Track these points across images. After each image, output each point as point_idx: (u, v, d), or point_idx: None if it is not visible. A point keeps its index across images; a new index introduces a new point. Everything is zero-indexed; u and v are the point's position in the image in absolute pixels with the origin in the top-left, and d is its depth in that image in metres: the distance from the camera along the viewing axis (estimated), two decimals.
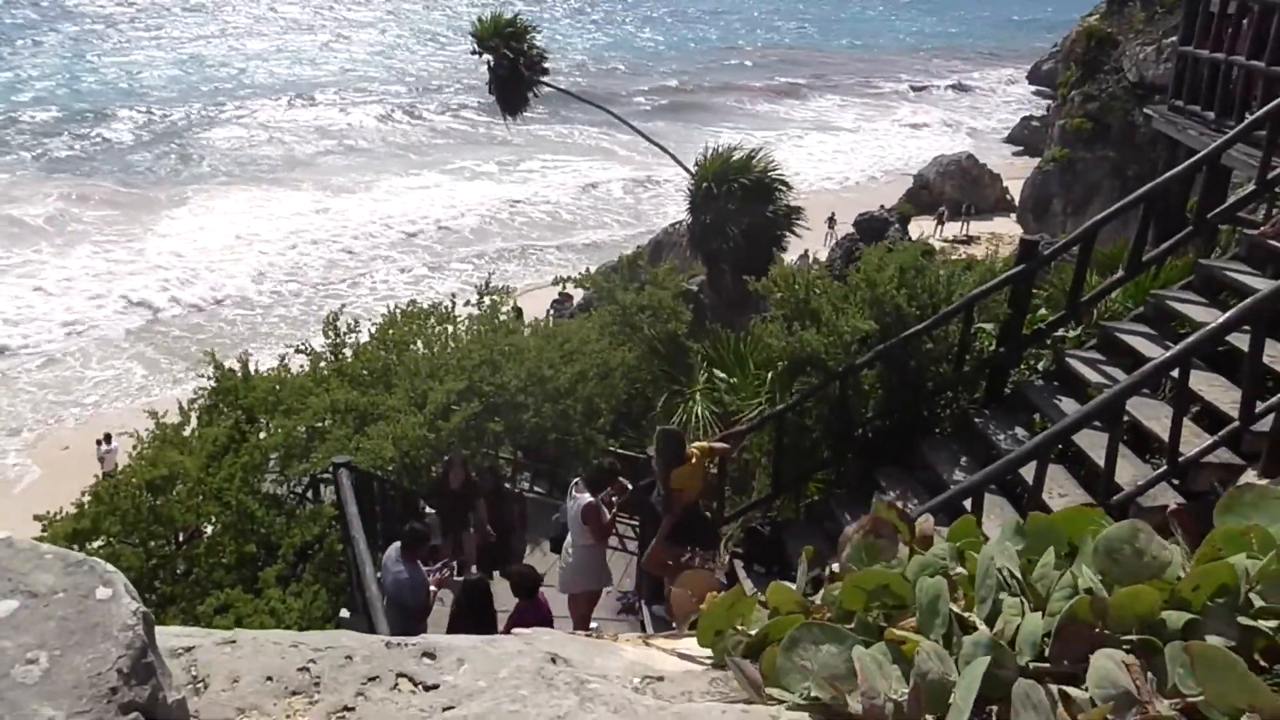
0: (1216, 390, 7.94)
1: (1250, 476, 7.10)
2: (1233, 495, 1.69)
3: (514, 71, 20.36)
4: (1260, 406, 7.29)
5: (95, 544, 10.29)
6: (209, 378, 13.35)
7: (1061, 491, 7.97)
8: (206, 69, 63.75)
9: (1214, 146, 9.61)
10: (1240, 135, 9.62)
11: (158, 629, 1.33)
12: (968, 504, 7.23)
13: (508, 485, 13.17)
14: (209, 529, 11.15)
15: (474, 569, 10.87)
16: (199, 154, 46.90)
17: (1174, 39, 15.63)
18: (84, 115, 50.64)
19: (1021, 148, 52.21)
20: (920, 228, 34.37)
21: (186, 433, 12.32)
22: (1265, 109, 9.63)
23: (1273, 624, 1.42)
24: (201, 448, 11.43)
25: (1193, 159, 9.98)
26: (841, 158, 52.40)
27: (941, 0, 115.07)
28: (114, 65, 62.87)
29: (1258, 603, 1.48)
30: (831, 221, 34.14)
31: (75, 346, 29.04)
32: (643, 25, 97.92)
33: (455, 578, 9.68)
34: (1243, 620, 1.43)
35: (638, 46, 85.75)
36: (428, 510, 10.57)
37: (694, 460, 8.94)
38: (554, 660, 1.56)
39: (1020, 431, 9.09)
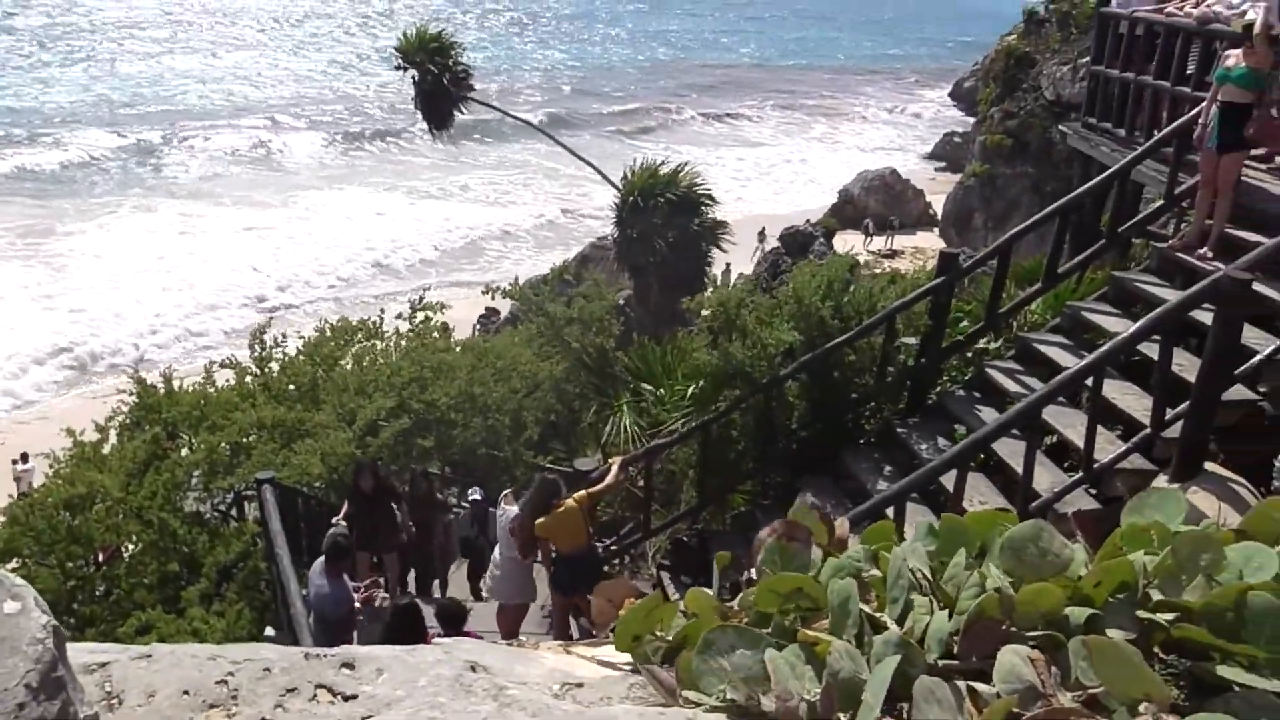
0: (1129, 398, 8.14)
1: (1161, 481, 7.28)
2: (1139, 497, 1.74)
3: (438, 87, 20.30)
4: (1170, 414, 7.48)
5: (9, 566, 10.02)
6: (130, 393, 13.08)
7: (982, 499, 8.11)
8: (133, 88, 62.58)
9: (1124, 163, 9.89)
10: (1149, 152, 9.92)
11: (72, 645, 1.32)
12: (890, 512, 7.33)
13: (439, 496, 13.07)
14: (129, 548, 10.93)
15: (400, 590, 10.79)
16: (120, 174, 45.95)
17: (1087, 59, 16.01)
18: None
19: (944, 163, 52.99)
20: (845, 241, 34.68)
21: (106, 450, 12.07)
22: (1171, 127, 9.93)
23: (1170, 616, 1.46)
24: (121, 465, 11.20)
25: (1105, 174, 10.25)
26: (771, 173, 52.82)
27: (887, 22, 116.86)
28: (33, 84, 61.34)
29: (1156, 596, 1.53)
30: (762, 235, 34.37)
31: None
32: (584, 43, 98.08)
33: (383, 599, 9.55)
34: (1141, 614, 1.48)
35: (581, 64, 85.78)
36: (338, 522, 10.41)
37: (562, 510, 8.79)
38: (473, 668, 1.57)
39: (942, 441, 9.23)
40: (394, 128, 53.56)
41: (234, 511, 12.13)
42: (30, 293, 32.22)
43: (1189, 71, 10.95)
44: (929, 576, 1.64)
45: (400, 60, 20.68)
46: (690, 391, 10.93)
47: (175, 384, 13.31)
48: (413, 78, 20.63)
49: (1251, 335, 7.80)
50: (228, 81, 64.56)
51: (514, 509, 9.63)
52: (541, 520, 8.77)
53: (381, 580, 9.96)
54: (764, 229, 34.94)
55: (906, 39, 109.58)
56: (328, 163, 50.10)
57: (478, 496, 12.10)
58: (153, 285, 32.89)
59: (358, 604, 8.84)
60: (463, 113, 21.55)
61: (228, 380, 13.97)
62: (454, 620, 8.31)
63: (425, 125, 21.84)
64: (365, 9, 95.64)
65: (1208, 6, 11.06)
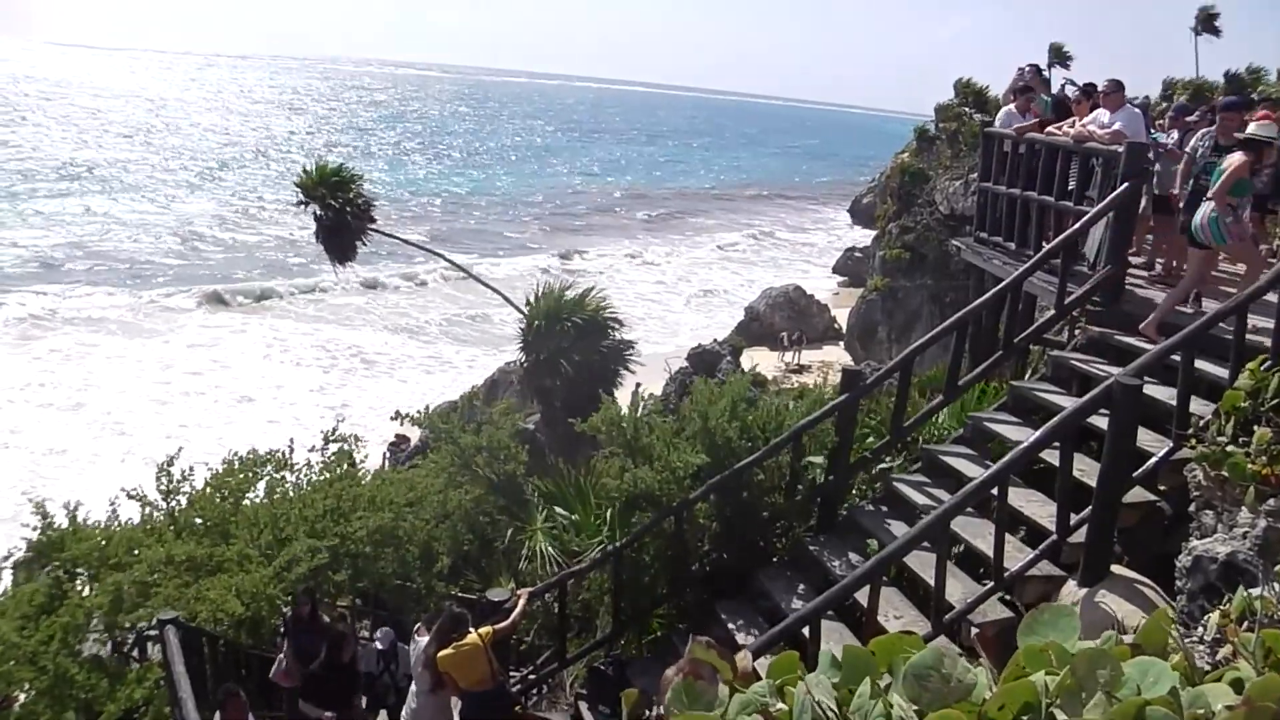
0: (1035, 505, 8.28)
1: (1071, 586, 7.36)
2: (1031, 616, 1.76)
3: (340, 220, 20.32)
4: (1074, 519, 7.61)
5: None
6: (33, 528, 12.52)
7: (897, 613, 8.13)
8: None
9: (1015, 275, 10.22)
10: (1038, 264, 10.25)
11: None
12: (806, 631, 7.30)
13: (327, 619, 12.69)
14: (21, 696, 10.37)
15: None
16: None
17: (976, 174, 16.62)
18: None
19: (846, 278, 54.20)
20: (752, 359, 35.07)
21: None
22: (1057, 240, 10.32)
23: None
24: (16, 607, 10.68)
25: (998, 287, 10.56)
26: (677, 290, 53.54)
27: (787, 142, 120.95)
28: None
29: (1060, 716, 1.53)
30: (667, 368, 34.52)
31: None
32: (496, 170, 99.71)
33: None
34: None
35: (492, 189, 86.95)
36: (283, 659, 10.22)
37: (466, 645, 8.61)
38: None
39: (854, 556, 9.26)
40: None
41: (136, 653, 11.62)
42: None
43: (1070, 187, 11.44)
44: (835, 709, 1.63)
45: (301, 195, 20.68)
46: (605, 515, 10.87)
47: (79, 517, 12.79)
48: (314, 212, 20.62)
49: (1146, 438, 8.02)
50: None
51: (425, 639, 9.42)
52: (444, 654, 8.58)
53: None
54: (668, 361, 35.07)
55: (807, 157, 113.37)
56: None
57: (385, 642, 11.76)
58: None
59: None
60: (364, 243, 21.57)
61: (130, 519, 13.49)
62: None
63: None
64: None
65: (1083, 126, 11.62)
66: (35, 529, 12.43)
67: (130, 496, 13.56)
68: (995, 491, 7.72)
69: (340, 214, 20.32)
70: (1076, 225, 10.42)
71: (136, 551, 12.06)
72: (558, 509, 12.22)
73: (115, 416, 32.00)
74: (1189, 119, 13.13)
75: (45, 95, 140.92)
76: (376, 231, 21.76)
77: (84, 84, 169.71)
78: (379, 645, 11.75)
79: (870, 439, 10.76)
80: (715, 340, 35.46)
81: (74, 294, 44.77)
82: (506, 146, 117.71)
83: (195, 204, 69.38)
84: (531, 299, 18.97)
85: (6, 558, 12.34)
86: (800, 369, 38.33)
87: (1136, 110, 12.13)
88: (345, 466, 14.82)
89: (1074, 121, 12.08)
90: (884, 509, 9.90)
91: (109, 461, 27.81)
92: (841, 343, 40.17)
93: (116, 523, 13.17)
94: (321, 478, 14.37)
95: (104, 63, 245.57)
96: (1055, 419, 7.72)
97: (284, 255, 55.34)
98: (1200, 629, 3.33)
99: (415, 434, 22.20)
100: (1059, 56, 30.42)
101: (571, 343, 17.69)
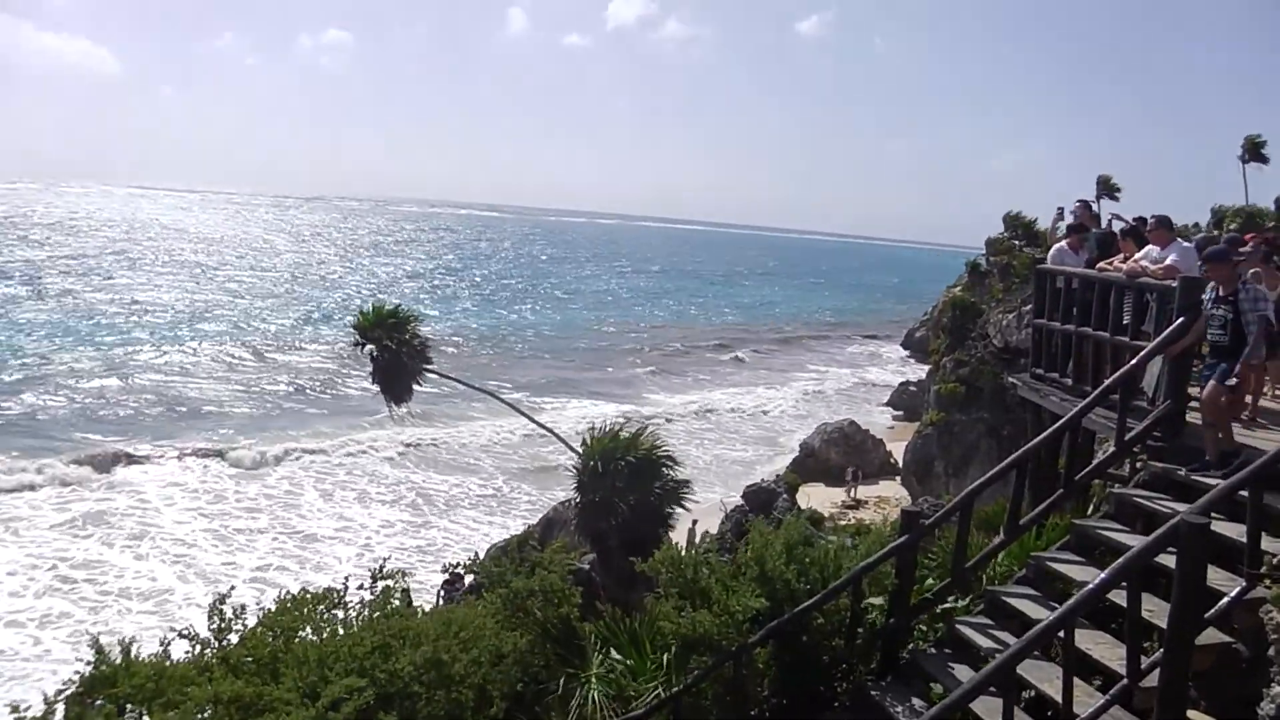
0: (1103, 648, 8.04)
1: None
2: None
3: (396, 361, 20.55)
4: (1145, 662, 7.37)
5: None
6: (85, 662, 12.53)
7: None
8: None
9: (1074, 413, 10.12)
10: (1096, 400, 10.15)
11: None
12: None
13: None
14: None
15: None
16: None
17: (1029, 306, 16.58)
18: None
19: (901, 412, 54.03)
20: (808, 495, 34.80)
21: None
22: (1115, 375, 10.23)
23: None
24: None
25: (1057, 425, 10.45)
26: (731, 429, 53.50)
27: (841, 282, 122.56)
28: None
29: None
30: (723, 507, 34.41)
31: None
32: (546, 307, 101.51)
33: None
34: None
35: (545, 328, 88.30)
36: None
37: None
38: None
39: (917, 702, 9.01)
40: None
41: None
42: None
43: (1124, 322, 11.39)
44: None
45: (358, 336, 20.97)
46: (662, 659, 10.67)
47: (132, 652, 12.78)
48: (371, 353, 20.88)
49: (1217, 576, 7.80)
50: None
51: None
52: None
53: None
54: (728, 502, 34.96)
55: (850, 294, 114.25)
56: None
57: None
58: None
59: None
60: (421, 384, 21.74)
61: (186, 653, 13.47)
62: None
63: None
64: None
65: (1135, 261, 11.62)
66: (88, 663, 12.46)
67: (181, 635, 13.59)
68: (1062, 634, 7.52)
69: (396, 355, 20.57)
70: (1134, 360, 10.34)
71: (189, 689, 12.00)
72: (613, 653, 12.02)
73: (175, 552, 32.46)
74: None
75: (133, 238, 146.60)
76: (433, 372, 21.99)
77: (175, 229, 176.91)
78: None
79: (930, 579, 10.55)
80: (776, 476, 35.29)
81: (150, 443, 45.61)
82: (576, 284, 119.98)
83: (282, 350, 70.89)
84: (587, 439, 18.99)
85: (59, 693, 12.31)
86: (857, 504, 37.98)
87: (1188, 245, 12.14)
88: (395, 603, 14.74)
89: (1124, 257, 12.10)
90: (947, 652, 9.65)
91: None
92: (898, 477, 39.80)
93: (168, 660, 13.16)
94: (374, 615, 14.31)
95: (184, 207, 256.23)
96: (1121, 559, 7.53)
97: (348, 395, 56.19)
98: None
99: (469, 577, 22.12)
100: (1107, 189, 30.60)
101: (626, 482, 17.60)
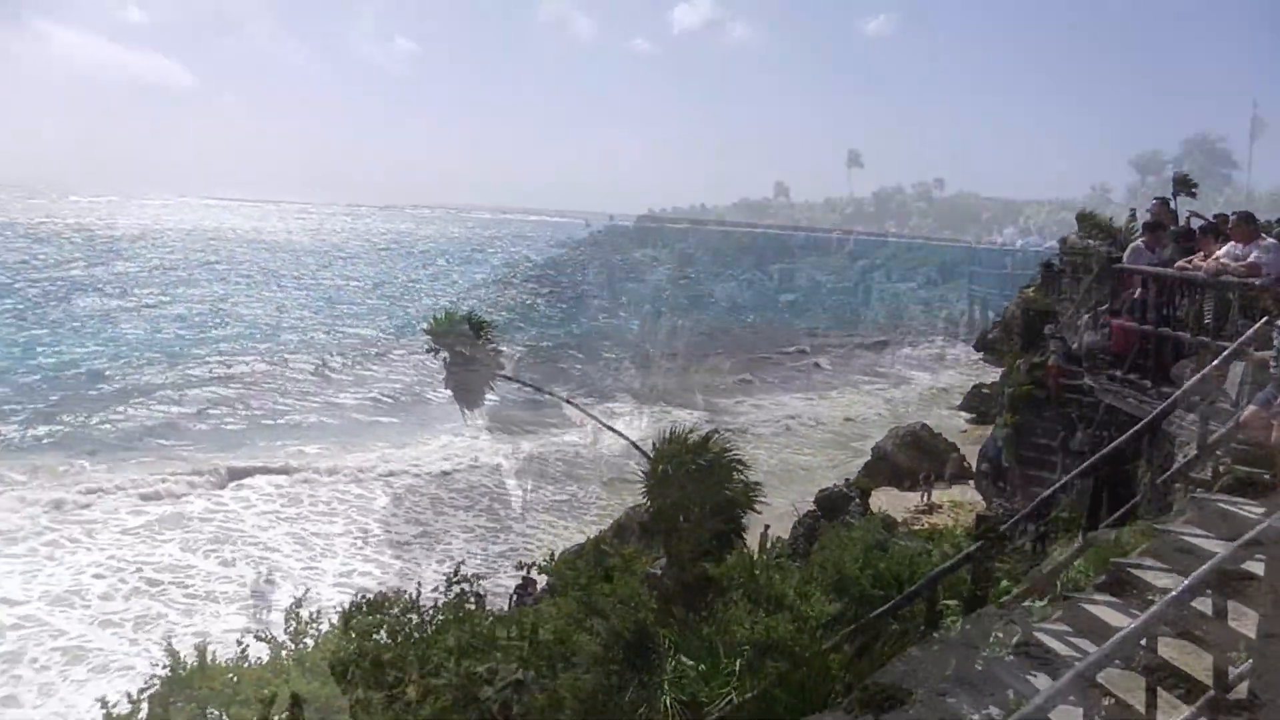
0: (1188, 657, 7.86)
1: None
2: None
3: (468, 367, 20.69)
4: (1233, 673, 7.20)
5: None
6: (162, 666, 12.87)
7: None
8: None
9: (1153, 415, 9.92)
10: (1177, 402, 9.94)
11: None
12: None
13: None
14: None
15: None
16: None
17: (1105, 307, 16.29)
18: None
19: (974, 415, 53.31)
20: (879, 499, 34.51)
21: None
22: (1195, 377, 10.01)
23: None
24: None
25: (1136, 427, 10.26)
26: (803, 435, 53.23)
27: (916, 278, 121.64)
28: None
29: None
30: (795, 511, 34.25)
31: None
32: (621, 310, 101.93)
33: None
34: None
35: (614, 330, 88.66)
36: None
37: None
38: None
39: (994, 710, 8.88)
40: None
41: None
42: None
43: (1205, 322, 11.15)
44: None
45: (431, 341, 21.17)
46: (735, 665, 10.65)
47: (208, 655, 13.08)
48: (444, 359, 21.08)
49: None
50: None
51: None
52: None
53: None
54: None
55: (937, 292, 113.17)
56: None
57: None
58: None
59: None
60: (493, 389, 21.90)
61: (259, 657, 13.75)
62: None
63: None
64: None
65: (1216, 260, 11.36)
66: (165, 666, 12.77)
67: (258, 638, 13.86)
68: (1144, 642, 7.37)
69: (469, 361, 20.71)
70: (1215, 361, 10.11)
71: (266, 691, 12.25)
72: (684, 658, 12.01)
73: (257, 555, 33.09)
74: None
75: (216, 249, 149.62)
76: (505, 378, 22.11)
77: (256, 240, 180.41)
78: None
79: (1005, 583, 10.41)
80: (846, 480, 35.07)
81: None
82: (669, 290, 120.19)
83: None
84: (656, 443, 19.00)
85: (142, 692, 12.63)
86: (930, 509, 37.55)
87: (1274, 241, 11.83)
88: (470, 606, 14.87)
89: (1204, 255, 11.83)
90: (1025, 660, 9.50)
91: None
92: (971, 481, 39.25)
93: (245, 662, 13.43)
94: (449, 618, 14.45)
95: (262, 217, 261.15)
96: (1206, 565, 7.36)
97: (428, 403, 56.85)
98: None
99: (542, 578, 22.26)
100: (1184, 185, 29.95)
101: (695, 486, 17.58)
